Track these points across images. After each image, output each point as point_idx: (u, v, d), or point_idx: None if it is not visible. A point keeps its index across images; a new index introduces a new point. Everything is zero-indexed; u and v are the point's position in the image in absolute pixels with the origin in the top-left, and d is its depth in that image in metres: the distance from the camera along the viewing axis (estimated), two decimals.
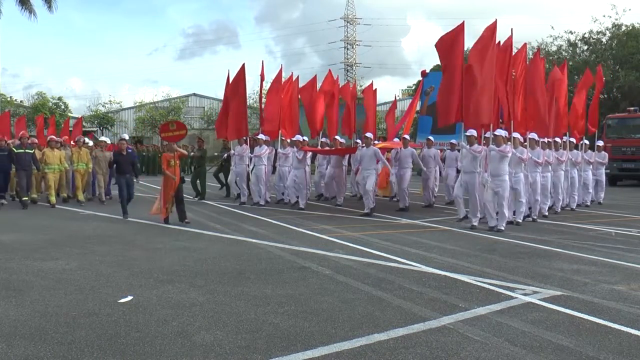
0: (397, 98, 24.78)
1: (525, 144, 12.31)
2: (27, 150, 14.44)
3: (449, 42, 11.63)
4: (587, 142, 15.95)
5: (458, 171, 13.58)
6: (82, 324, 4.89)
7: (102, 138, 16.90)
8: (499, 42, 11.69)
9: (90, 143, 16.58)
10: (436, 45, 11.73)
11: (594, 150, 16.32)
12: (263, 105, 17.20)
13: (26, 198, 14.29)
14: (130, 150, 14.85)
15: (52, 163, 14.99)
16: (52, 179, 14.91)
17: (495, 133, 11.00)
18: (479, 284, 6.43)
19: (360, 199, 14.75)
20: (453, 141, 15.61)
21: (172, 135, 11.61)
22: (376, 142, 15.05)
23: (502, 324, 4.99)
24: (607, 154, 16.97)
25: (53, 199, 14.66)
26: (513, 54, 12.25)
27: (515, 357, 4.22)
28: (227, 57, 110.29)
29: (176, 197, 11.25)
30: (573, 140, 15.05)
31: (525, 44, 13.38)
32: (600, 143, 16.69)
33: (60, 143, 15.78)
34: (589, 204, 15.76)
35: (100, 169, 15.63)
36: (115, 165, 12.92)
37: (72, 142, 16.89)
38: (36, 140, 16.20)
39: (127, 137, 16.14)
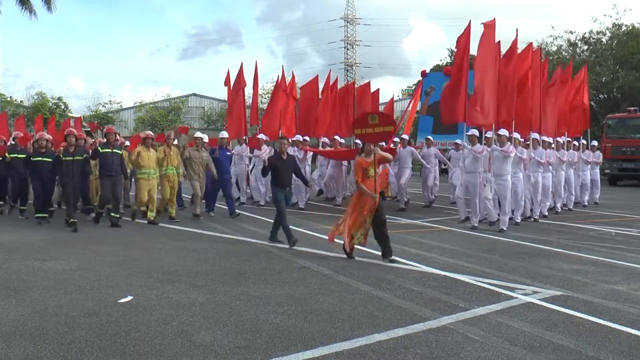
0: (397, 98, 24.75)
1: (528, 143, 12.34)
2: (114, 151, 11.16)
3: (461, 42, 11.86)
4: (584, 141, 15.99)
5: None
6: (82, 324, 4.89)
7: (199, 134, 13.06)
8: (499, 41, 11.74)
9: (175, 142, 13.08)
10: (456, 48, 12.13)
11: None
12: (262, 106, 17.24)
13: (117, 215, 11.05)
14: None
15: (147, 167, 11.40)
16: (146, 188, 11.36)
17: (499, 133, 11.03)
18: (479, 284, 6.43)
19: None
20: (458, 141, 15.63)
21: (373, 134, 8.02)
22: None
23: (502, 324, 4.99)
24: (601, 154, 17.12)
25: (153, 213, 11.44)
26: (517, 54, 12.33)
27: (515, 357, 4.22)
28: (229, 58, 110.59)
29: (376, 222, 7.82)
30: (569, 139, 15.08)
31: (530, 43, 13.36)
32: (595, 143, 16.72)
33: (152, 140, 11.98)
34: (586, 203, 15.80)
35: (195, 173, 12.33)
36: (271, 173, 9.17)
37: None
38: (127, 143, 13.69)
39: (226, 134, 14.18)
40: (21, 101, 48.34)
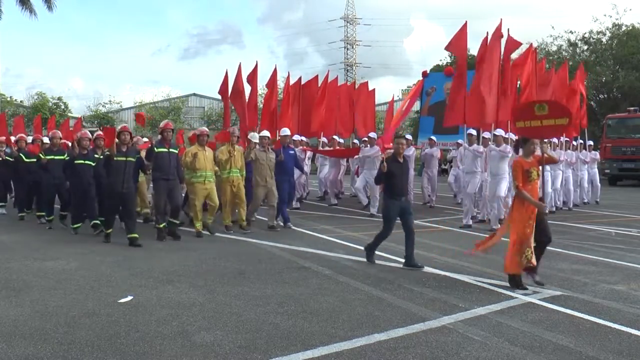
0: (397, 98, 24.76)
1: None
2: (171, 150, 9.53)
3: (456, 43, 11.89)
4: (582, 141, 16.02)
5: None
6: (82, 324, 4.89)
7: (264, 133, 10.98)
8: (500, 42, 11.78)
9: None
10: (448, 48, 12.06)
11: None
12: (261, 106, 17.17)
13: (177, 222, 9.73)
14: None
15: (203, 169, 9.83)
16: (202, 194, 9.92)
17: (495, 133, 11.06)
18: (479, 284, 6.44)
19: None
20: (460, 141, 15.66)
21: (541, 127, 6.50)
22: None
23: (502, 324, 4.99)
24: (597, 153, 17.30)
25: (200, 224, 9.90)
26: (513, 55, 12.41)
27: (515, 357, 4.22)
28: (230, 58, 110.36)
29: (540, 237, 6.41)
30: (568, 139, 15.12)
31: (531, 44, 13.39)
32: (591, 143, 16.78)
33: (208, 137, 10.36)
34: (586, 201, 15.85)
35: (261, 177, 10.45)
36: (384, 181, 7.60)
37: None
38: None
39: (288, 132, 11.97)
40: (21, 101, 48.35)
